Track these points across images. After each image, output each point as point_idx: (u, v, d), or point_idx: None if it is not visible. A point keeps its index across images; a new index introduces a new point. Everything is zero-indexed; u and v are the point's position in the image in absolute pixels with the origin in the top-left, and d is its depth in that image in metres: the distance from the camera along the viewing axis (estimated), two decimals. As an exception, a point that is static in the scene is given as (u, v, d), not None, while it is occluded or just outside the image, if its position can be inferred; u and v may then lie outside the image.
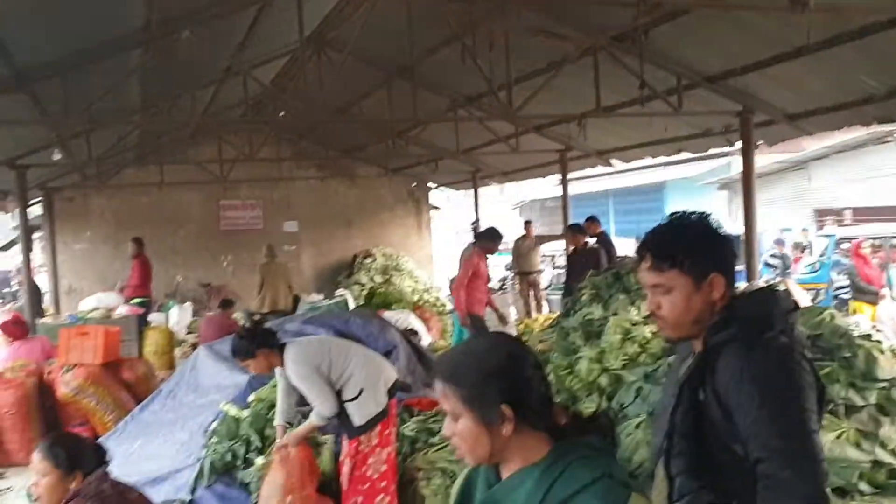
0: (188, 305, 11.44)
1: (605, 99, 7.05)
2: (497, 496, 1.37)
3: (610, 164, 11.48)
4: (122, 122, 8.05)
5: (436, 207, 16.70)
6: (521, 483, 1.33)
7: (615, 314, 5.25)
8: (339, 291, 12.09)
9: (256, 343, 3.83)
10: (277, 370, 3.94)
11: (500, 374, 1.35)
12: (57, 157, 8.02)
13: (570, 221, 10.09)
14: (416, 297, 12.14)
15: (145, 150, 11.73)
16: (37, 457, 2.69)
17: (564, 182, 11.21)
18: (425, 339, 8.69)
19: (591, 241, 9.20)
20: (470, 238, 10.50)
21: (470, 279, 7.18)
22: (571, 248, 9.33)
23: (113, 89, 6.19)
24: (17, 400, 6.20)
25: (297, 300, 10.38)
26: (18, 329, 7.48)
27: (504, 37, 6.64)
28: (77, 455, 2.70)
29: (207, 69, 7.39)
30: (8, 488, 5.70)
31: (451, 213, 23.61)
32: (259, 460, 4.28)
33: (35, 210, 12.00)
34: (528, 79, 7.55)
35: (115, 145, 9.15)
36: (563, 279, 10.30)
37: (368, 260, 13.75)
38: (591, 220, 9.53)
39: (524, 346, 1.46)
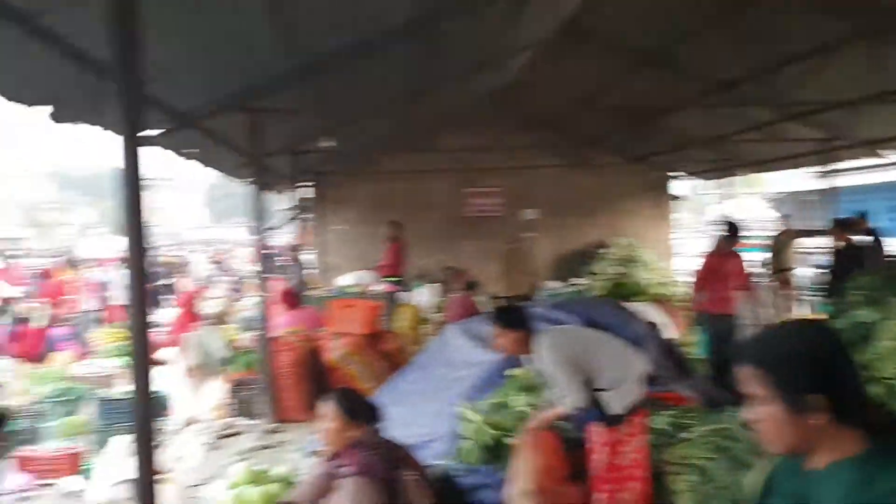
0: (435, 286, 12.06)
1: (881, 84, 6.42)
2: (810, 485, 1.34)
3: (880, 156, 10.45)
4: (385, 112, 8.66)
5: (679, 198, 16.12)
6: (837, 474, 1.29)
7: (889, 318, 4.79)
8: (577, 280, 12.11)
9: (513, 322, 3.93)
10: (525, 357, 3.99)
11: (813, 363, 1.31)
12: (327, 144, 8.81)
13: (834, 217, 9.35)
14: (656, 290, 11.83)
15: (400, 139, 12.53)
16: (326, 405, 3.03)
17: (829, 174, 10.39)
18: (668, 334, 8.47)
19: (859, 238, 8.47)
20: (715, 231, 10.04)
21: (714, 275, 6.89)
22: (840, 244, 8.64)
23: (381, 80, 6.67)
24: (292, 362, 6.95)
25: (535, 287, 10.57)
26: (292, 299, 8.39)
27: (768, 18, 6.27)
28: (359, 408, 3.01)
29: (464, 59, 7.71)
30: (284, 442, 6.38)
31: (696, 204, 22.67)
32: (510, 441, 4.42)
33: (299, 194, 13.30)
34: (793, 62, 7.07)
35: (375, 134, 9.89)
36: (823, 278, 9.54)
37: (606, 250, 13.60)
38: (859, 215, 8.79)
39: (837, 336, 1.40)
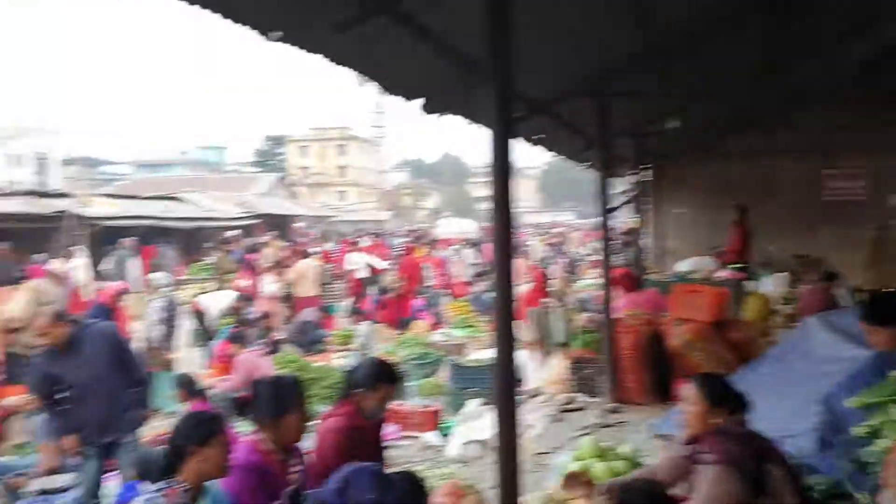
0: (783, 275, 11.23)
1: None
2: None
3: None
4: (733, 90, 8.22)
5: None
6: None
7: None
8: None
9: (890, 317, 3.55)
10: None
11: None
12: (672, 125, 8.63)
13: None
14: None
15: (747, 117, 11.79)
16: (689, 388, 3.00)
17: None
18: None
19: None
20: None
21: None
22: None
23: (732, 56, 6.35)
24: (632, 344, 6.97)
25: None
26: (631, 282, 8.40)
27: None
28: (723, 394, 2.94)
29: (830, 27, 7.02)
30: (625, 422, 6.44)
31: None
32: (882, 443, 4.01)
33: (638, 177, 13.18)
34: None
35: (720, 113, 9.43)
36: None
37: None
38: None
39: None
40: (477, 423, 6.48)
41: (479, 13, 3.40)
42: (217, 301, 11.42)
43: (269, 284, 11.79)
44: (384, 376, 3.61)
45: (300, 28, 3.68)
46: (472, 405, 7.01)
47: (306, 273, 13.09)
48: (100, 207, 21.86)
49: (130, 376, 5.15)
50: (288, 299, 13.04)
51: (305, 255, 13.96)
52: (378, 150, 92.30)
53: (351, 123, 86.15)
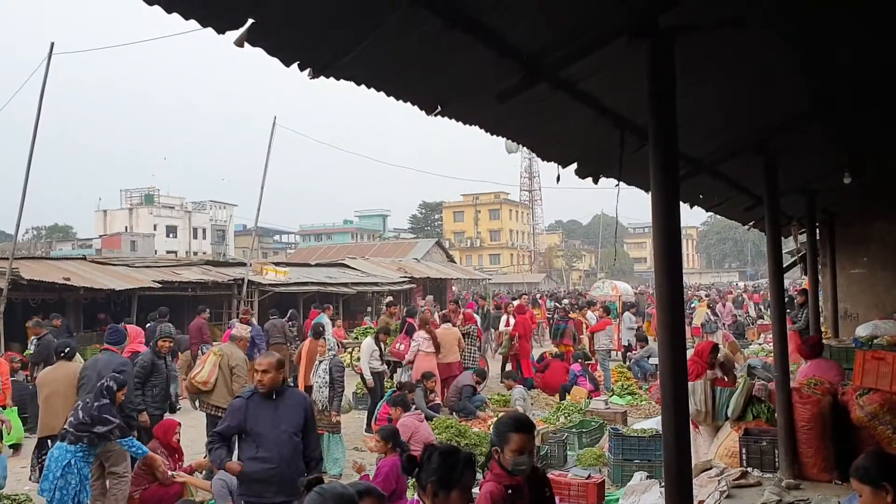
0: None
1: None
2: None
3: None
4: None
5: None
6: None
7: None
8: None
9: None
10: None
11: None
12: (847, 180, 8.11)
13: None
14: None
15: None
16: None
17: None
18: None
19: None
20: None
21: None
22: None
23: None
24: (812, 416, 6.45)
25: None
26: (809, 348, 7.83)
27: None
28: (888, 471, 2.67)
29: None
30: (806, 500, 5.93)
31: None
32: None
33: (806, 235, 12.42)
34: None
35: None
36: None
37: None
38: None
39: None
40: (644, 496, 6.20)
41: (639, 76, 3.37)
42: (378, 364, 11.74)
43: (425, 342, 11.99)
44: (510, 426, 3.55)
45: (458, 100, 3.79)
46: (637, 478, 6.71)
47: (446, 338, 13.22)
48: (272, 274, 23.22)
49: (310, 446, 5.35)
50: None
51: (445, 319, 14.12)
52: (530, 213, 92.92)
53: (503, 188, 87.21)
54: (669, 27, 3.19)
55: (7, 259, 16.19)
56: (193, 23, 2.40)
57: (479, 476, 3.80)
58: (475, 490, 3.58)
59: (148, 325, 14.41)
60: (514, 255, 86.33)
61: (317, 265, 30.91)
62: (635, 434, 8.34)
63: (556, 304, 24.59)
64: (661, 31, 3.19)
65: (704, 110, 5.23)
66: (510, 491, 3.42)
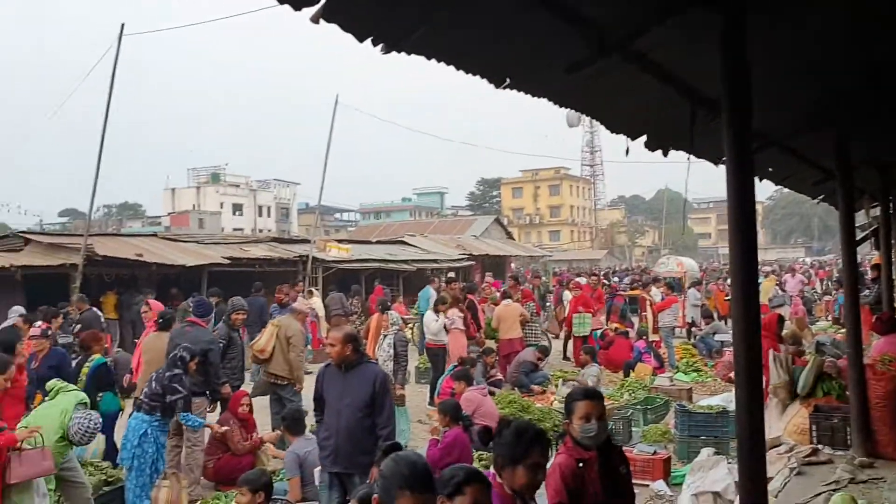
0: None
1: None
2: None
3: None
4: None
5: None
6: None
7: None
8: None
9: None
10: None
11: None
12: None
13: None
14: None
15: None
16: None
17: None
18: None
19: None
20: None
21: None
22: None
23: None
24: (886, 393, 6.29)
25: None
26: (884, 324, 7.62)
27: None
28: None
29: None
30: (881, 478, 5.80)
31: None
32: None
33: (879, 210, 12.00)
34: None
35: None
36: None
37: None
38: None
39: None
40: (710, 473, 6.14)
41: (711, 47, 3.30)
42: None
43: (458, 319, 11.93)
44: (576, 394, 3.58)
45: (527, 73, 3.78)
46: (705, 454, 6.65)
47: (508, 314, 13.23)
48: (335, 251, 23.57)
49: (381, 423, 5.38)
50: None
51: (505, 295, 14.11)
52: (592, 189, 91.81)
53: (564, 163, 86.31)
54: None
55: (82, 236, 16.81)
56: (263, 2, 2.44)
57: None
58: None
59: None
60: (575, 231, 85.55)
61: (377, 242, 31.22)
62: (702, 410, 8.27)
63: (605, 281, 24.21)
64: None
65: (774, 82, 5.08)
66: (581, 464, 3.44)
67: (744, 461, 3.25)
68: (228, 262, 19.55)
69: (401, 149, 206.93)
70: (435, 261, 28.85)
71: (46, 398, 6.37)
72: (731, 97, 3.20)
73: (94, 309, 13.78)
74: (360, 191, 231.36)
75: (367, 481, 4.91)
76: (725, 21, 3.14)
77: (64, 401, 6.16)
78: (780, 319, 7.72)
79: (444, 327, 11.55)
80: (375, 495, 2.72)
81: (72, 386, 6.58)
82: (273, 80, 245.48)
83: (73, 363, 8.15)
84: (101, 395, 7.83)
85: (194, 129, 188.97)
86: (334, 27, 2.66)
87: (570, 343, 15.50)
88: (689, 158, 5.05)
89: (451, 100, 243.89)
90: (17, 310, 11.67)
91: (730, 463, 6.56)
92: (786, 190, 11.16)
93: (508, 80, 3.65)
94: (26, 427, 5.72)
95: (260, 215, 75.03)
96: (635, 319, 17.85)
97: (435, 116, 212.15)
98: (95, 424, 6.13)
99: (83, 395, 6.40)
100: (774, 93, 5.16)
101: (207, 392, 7.95)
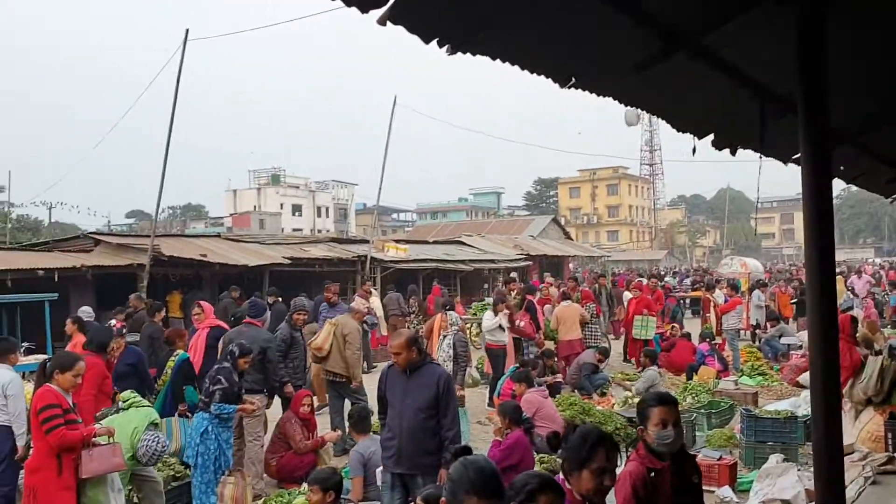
0: None
1: None
2: None
3: None
4: None
5: None
6: None
7: None
8: None
9: None
10: None
11: None
12: None
13: None
14: None
15: None
16: None
17: None
18: None
19: None
20: None
21: None
22: None
23: None
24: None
25: None
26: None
27: None
28: None
29: None
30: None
31: None
32: None
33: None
34: None
35: None
36: None
37: None
38: None
39: None
40: (780, 480, 5.98)
41: (782, 42, 3.20)
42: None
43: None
44: (651, 400, 3.49)
45: (592, 72, 3.72)
46: (773, 461, 6.48)
47: (568, 315, 13.08)
48: (392, 251, 23.73)
49: (445, 424, 5.35)
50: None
51: (566, 296, 13.97)
52: (651, 188, 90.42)
53: (622, 162, 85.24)
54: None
55: (149, 237, 17.29)
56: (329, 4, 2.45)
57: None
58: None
59: (220, 302, 15.12)
60: (634, 231, 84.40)
61: (434, 242, 31.32)
62: (769, 415, 8.05)
63: (658, 281, 23.61)
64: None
65: (848, 77, 4.92)
66: (652, 473, 3.37)
67: (821, 470, 3.13)
68: (289, 262, 19.86)
69: (457, 149, 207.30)
70: (492, 261, 28.79)
71: (121, 404, 6.56)
72: (807, 94, 3.10)
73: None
74: (416, 191, 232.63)
75: (437, 482, 4.90)
76: (801, 14, 3.04)
77: (137, 417, 6.35)
78: (854, 321, 7.45)
79: (500, 327, 11.50)
80: (444, 498, 2.71)
81: (145, 402, 6.76)
82: (328, 82, 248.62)
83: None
84: (185, 387, 8.13)
85: (253, 131, 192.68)
86: (393, 29, 2.67)
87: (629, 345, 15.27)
88: (760, 157, 4.90)
89: (508, 99, 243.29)
90: (86, 310, 12.05)
91: (800, 470, 6.38)
92: (853, 188, 10.80)
93: (573, 80, 3.60)
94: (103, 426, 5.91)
95: (319, 216, 76.07)
96: (697, 322, 17.49)
97: (491, 116, 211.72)
98: (163, 448, 6.29)
99: (155, 416, 6.58)
100: (849, 87, 4.99)
101: (265, 390, 8.08)
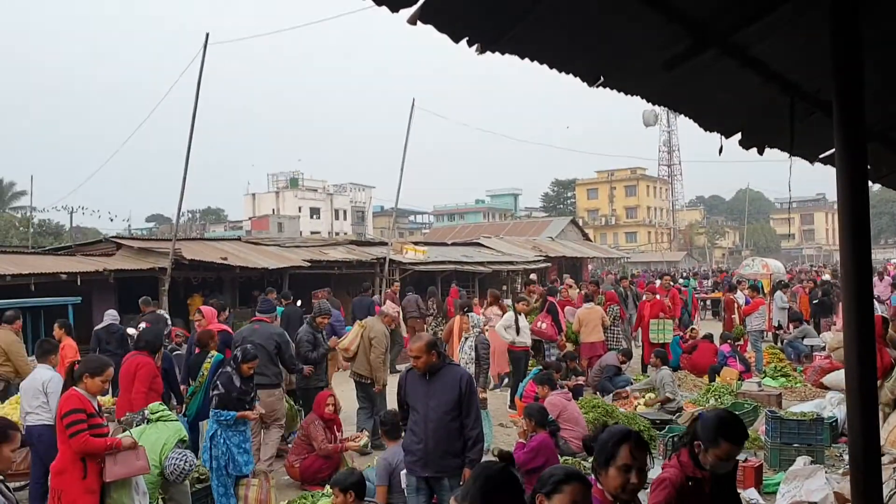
0: None
1: None
2: None
3: None
4: None
5: None
6: None
7: None
8: None
9: None
10: None
11: None
12: None
13: None
14: None
15: None
16: None
17: None
18: None
19: None
20: None
21: None
22: None
23: None
24: None
25: None
26: None
27: None
28: None
29: None
30: None
31: None
32: None
33: None
34: None
35: None
36: None
37: None
38: None
39: None
40: (807, 483, 5.90)
41: (812, 39, 3.15)
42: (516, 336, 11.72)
43: (495, 318, 11.78)
44: (729, 434, 3.39)
45: (621, 70, 3.69)
46: (801, 463, 6.40)
47: (589, 318, 13.01)
48: (411, 254, 23.74)
49: (468, 425, 5.33)
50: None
51: (588, 298, 13.88)
52: (669, 189, 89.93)
53: (640, 163, 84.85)
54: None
55: (171, 240, 17.39)
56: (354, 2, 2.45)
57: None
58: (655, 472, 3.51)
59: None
60: (652, 232, 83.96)
61: (453, 244, 31.31)
62: (795, 417, 7.96)
63: (671, 280, 23.30)
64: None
65: (878, 73, 4.85)
66: (691, 483, 3.32)
67: (858, 473, 3.08)
68: (308, 264, 19.92)
69: (473, 150, 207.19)
70: (511, 262, 28.74)
71: (148, 414, 6.58)
72: (842, 91, 3.04)
73: (161, 311, 14.08)
74: (433, 193, 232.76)
75: (461, 483, 4.88)
76: (834, 8, 2.99)
77: (165, 432, 6.38)
78: (886, 322, 7.35)
79: (515, 327, 11.45)
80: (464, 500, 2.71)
81: (173, 416, 6.78)
82: (345, 83, 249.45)
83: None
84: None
85: (271, 134, 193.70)
86: (411, 29, 2.66)
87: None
88: (789, 157, 4.85)
89: (525, 101, 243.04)
90: (111, 314, 12.14)
91: (827, 472, 6.30)
92: (875, 188, 10.66)
93: (602, 79, 3.58)
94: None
95: (336, 219, 76.32)
96: (719, 324, 17.34)
97: (507, 117, 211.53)
98: (190, 466, 6.32)
99: (184, 432, 6.62)
100: (879, 83, 4.92)
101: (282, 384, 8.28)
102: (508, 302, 14.64)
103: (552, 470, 2.83)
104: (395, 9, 2.51)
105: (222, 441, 6.94)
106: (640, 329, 14.77)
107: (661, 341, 14.01)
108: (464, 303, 11.53)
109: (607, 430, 3.26)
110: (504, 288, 29.03)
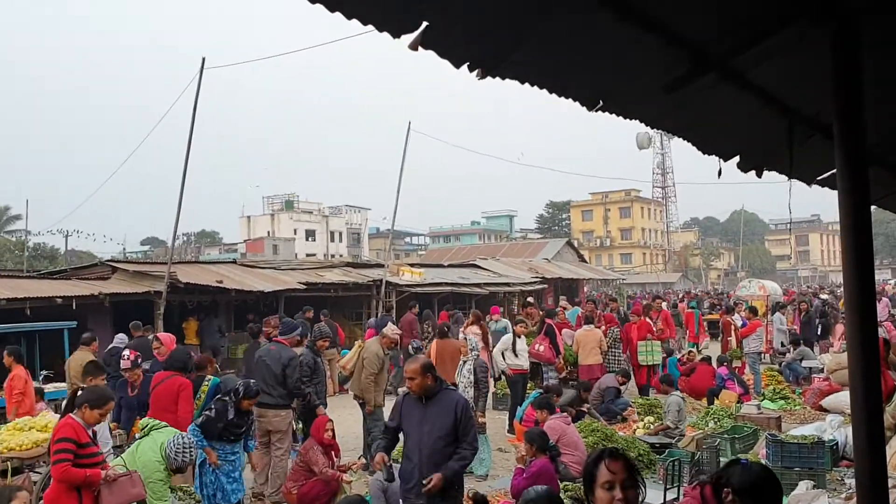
0: None
1: None
2: None
3: None
4: None
5: None
6: None
7: None
8: None
9: None
10: None
11: None
12: None
13: None
14: None
15: None
16: None
17: None
18: None
19: None
20: None
21: None
22: None
23: None
24: None
25: None
26: None
27: None
28: None
29: None
30: None
31: None
32: None
33: None
34: None
35: None
36: None
37: None
38: None
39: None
40: (811, 506, 5.85)
41: (813, 63, 3.16)
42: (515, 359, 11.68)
43: (475, 337, 11.75)
44: (767, 495, 3.28)
45: (620, 95, 3.70)
46: (803, 487, 6.34)
47: (587, 340, 12.97)
48: (407, 275, 23.69)
49: (465, 445, 5.30)
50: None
51: (587, 320, 13.83)
52: (664, 210, 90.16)
53: (634, 185, 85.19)
54: (855, 8, 2.98)
55: (166, 264, 17.33)
56: (354, 27, 2.45)
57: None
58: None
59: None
60: (647, 254, 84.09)
61: (449, 266, 31.27)
62: (795, 440, 7.91)
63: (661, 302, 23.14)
64: (847, 12, 2.98)
65: (878, 97, 4.87)
66: None
67: (864, 498, 3.05)
68: (304, 286, 19.85)
69: (468, 172, 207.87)
70: (507, 284, 28.69)
71: (141, 431, 6.56)
72: (843, 115, 3.04)
73: (150, 336, 14.02)
74: (428, 214, 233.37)
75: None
76: (837, 33, 3.00)
77: (159, 437, 6.37)
78: (887, 344, 7.33)
79: (513, 350, 11.41)
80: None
81: (163, 423, 6.72)
82: (340, 106, 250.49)
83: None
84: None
85: (265, 157, 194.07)
86: (408, 53, 2.66)
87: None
88: (788, 179, 4.85)
89: (518, 122, 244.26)
90: (121, 337, 12.26)
91: (830, 497, 6.24)
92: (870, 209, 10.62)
93: (601, 103, 3.58)
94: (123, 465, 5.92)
95: (332, 240, 76.28)
96: (717, 346, 17.31)
97: (501, 140, 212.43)
98: (189, 440, 6.30)
99: (178, 432, 6.58)
100: (879, 106, 4.94)
101: (293, 406, 8.33)
102: (492, 325, 14.57)
103: (534, 492, 2.83)
104: (396, 35, 2.52)
105: (210, 469, 6.89)
106: (628, 352, 14.61)
107: (649, 363, 13.85)
108: (440, 325, 11.64)
109: (588, 459, 3.32)
110: (501, 309, 28.99)
